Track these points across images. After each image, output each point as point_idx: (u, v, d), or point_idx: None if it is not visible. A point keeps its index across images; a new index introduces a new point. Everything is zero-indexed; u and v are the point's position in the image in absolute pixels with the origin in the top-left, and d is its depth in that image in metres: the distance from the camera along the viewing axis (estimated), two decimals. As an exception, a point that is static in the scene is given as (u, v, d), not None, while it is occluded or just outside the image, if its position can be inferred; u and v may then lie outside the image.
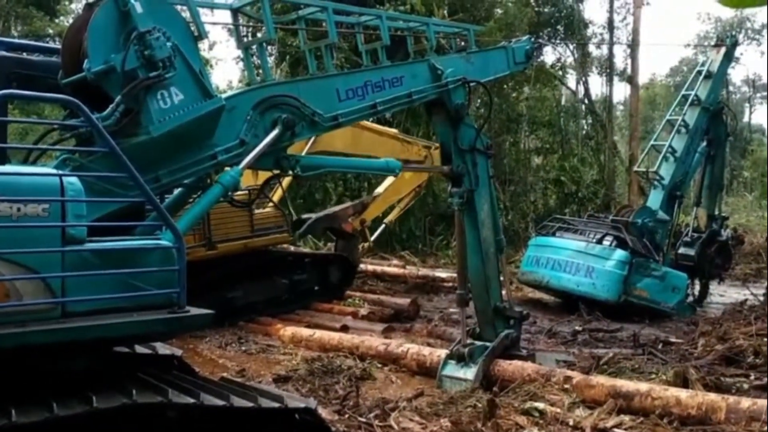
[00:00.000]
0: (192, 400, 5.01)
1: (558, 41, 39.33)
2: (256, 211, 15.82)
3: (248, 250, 15.60)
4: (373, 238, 20.11)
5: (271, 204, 16.17)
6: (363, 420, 8.79)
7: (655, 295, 16.78)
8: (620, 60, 41.88)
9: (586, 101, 40.69)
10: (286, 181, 15.16)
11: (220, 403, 5.13)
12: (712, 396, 8.79)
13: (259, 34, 8.21)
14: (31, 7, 36.93)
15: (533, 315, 15.18)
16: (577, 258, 17.21)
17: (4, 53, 6.39)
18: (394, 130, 19.30)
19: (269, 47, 23.96)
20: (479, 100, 26.29)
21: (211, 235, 14.65)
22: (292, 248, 18.80)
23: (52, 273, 4.80)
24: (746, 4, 2.61)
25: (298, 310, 16.02)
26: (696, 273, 19.19)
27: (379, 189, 19.28)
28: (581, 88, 41.16)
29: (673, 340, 13.88)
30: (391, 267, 22.62)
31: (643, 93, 57.06)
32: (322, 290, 17.38)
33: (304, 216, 17.29)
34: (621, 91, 60.27)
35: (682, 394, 8.88)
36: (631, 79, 38.53)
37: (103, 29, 5.91)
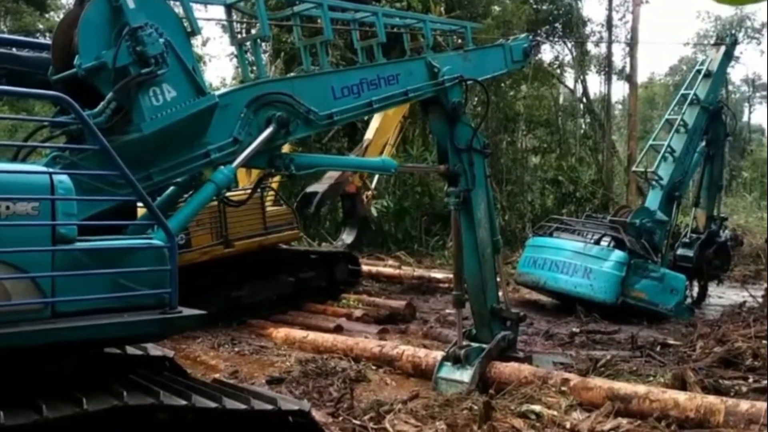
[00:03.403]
0: (184, 402, 4.94)
1: (556, 39, 39.37)
2: (268, 208, 16.06)
3: (262, 247, 15.78)
4: (374, 184, 20.18)
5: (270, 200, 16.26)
6: (357, 422, 8.72)
7: (653, 297, 16.72)
8: (619, 58, 42.00)
9: (584, 100, 40.73)
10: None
11: (213, 405, 5.06)
12: (711, 398, 8.73)
13: (253, 31, 8.11)
14: (21, 2, 36.87)
15: (530, 316, 15.10)
16: (575, 259, 17.15)
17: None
18: None
19: (263, 44, 23.85)
20: (476, 99, 26.27)
21: (228, 234, 14.77)
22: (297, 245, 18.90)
23: (42, 273, 4.72)
24: (744, 1, 2.52)
25: (291, 311, 16.03)
26: (694, 274, 19.16)
27: (368, 135, 19.24)
28: (579, 87, 41.25)
29: (671, 342, 13.84)
30: (387, 268, 22.55)
31: (642, 92, 57.16)
32: (329, 287, 17.54)
33: (309, 190, 17.29)
34: (619, 90, 60.48)
35: (681, 396, 8.81)
36: (630, 78, 38.52)
37: (94, 25, 5.85)
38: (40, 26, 36.63)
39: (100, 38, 5.87)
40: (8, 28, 35.62)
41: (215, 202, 13.82)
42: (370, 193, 20.03)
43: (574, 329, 15.22)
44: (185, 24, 6.50)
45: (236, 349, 12.87)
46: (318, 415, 7.84)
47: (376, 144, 19.07)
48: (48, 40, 6.60)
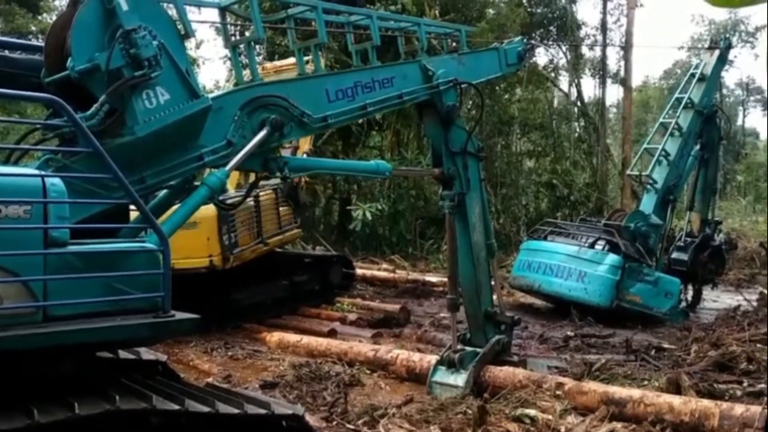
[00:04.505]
0: (177, 407, 4.93)
1: (550, 43, 39.35)
2: (280, 208, 16.38)
3: (281, 245, 16.38)
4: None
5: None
6: (351, 427, 8.72)
7: (648, 301, 16.73)
8: (613, 62, 42.06)
9: (579, 104, 40.72)
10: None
11: (206, 409, 5.05)
12: (705, 402, 8.72)
13: (247, 33, 8.09)
14: (14, 3, 36.75)
15: (524, 320, 15.11)
16: (569, 262, 17.15)
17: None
18: None
19: (257, 46, 23.88)
20: (471, 102, 26.26)
21: (263, 232, 15.22)
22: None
23: (34, 276, 4.69)
24: (734, 4, 2.52)
25: (284, 315, 16.02)
26: (689, 278, 19.13)
27: None
28: (574, 91, 41.23)
29: (665, 346, 13.82)
30: (381, 271, 22.53)
31: (636, 95, 57.10)
32: (323, 291, 17.70)
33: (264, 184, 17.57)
34: (614, 94, 60.33)
35: (675, 400, 8.80)
36: (624, 82, 38.55)
37: (87, 27, 5.80)
38: (33, 28, 36.59)
39: (93, 40, 5.82)
40: (0, 30, 35.50)
41: (251, 202, 14.38)
42: (303, 181, 20.36)
43: (568, 333, 15.18)
44: (179, 26, 6.47)
45: (229, 354, 12.82)
46: (312, 420, 7.81)
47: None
48: (41, 42, 6.57)
